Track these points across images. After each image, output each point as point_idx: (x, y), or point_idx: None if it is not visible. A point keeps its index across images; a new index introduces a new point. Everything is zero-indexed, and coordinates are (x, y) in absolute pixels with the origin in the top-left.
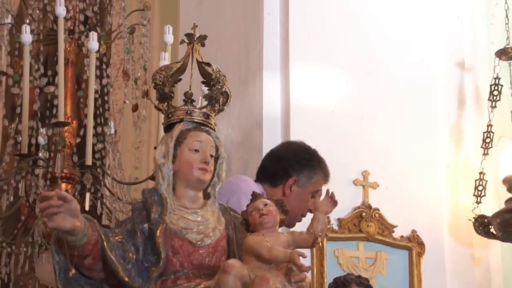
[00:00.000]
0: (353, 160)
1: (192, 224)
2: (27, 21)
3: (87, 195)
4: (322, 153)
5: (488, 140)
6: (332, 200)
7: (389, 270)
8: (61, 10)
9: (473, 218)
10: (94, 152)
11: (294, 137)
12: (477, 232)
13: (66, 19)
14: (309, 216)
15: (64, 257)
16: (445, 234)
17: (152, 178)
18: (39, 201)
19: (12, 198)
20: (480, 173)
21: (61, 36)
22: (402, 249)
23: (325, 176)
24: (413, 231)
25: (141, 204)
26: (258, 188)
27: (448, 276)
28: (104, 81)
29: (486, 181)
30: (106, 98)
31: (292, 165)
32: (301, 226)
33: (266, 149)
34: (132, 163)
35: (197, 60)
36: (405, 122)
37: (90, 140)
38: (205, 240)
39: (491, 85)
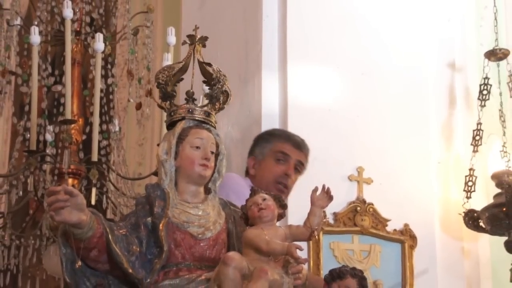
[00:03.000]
0: (348, 156)
1: (194, 218)
2: (36, 22)
3: (93, 190)
4: (318, 149)
5: (477, 137)
6: (328, 195)
7: (382, 262)
8: (68, 12)
9: (463, 212)
10: (99, 149)
11: None
12: (467, 226)
13: (73, 21)
14: (306, 210)
15: (71, 250)
16: (436, 228)
17: (155, 174)
18: (47, 196)
19: (21, 192)
20: (470, 169)
21: (68, 37)
22: (395, 242)
23: (286, 139)
24: (406, 225)
25: (145, 198)
26: (245, 182)
27: (439, 268)
28: (109, 81)
29: (476, 177)
30: (111, 96)
31: (250, 150)
32: (298, 221)
33: None
34: (136, 159)
35: (198, 60)
36: (398, 120)
37: (96, 137)
38: (206, 233)
39: (480, 85)
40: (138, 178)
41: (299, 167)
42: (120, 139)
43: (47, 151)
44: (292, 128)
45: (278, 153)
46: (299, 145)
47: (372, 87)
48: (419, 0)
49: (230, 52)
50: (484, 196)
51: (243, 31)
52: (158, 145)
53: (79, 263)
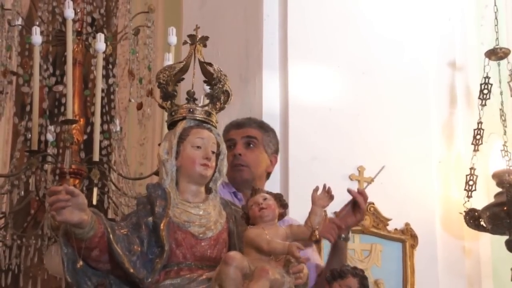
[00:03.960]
0: (349, 155)
1: (195, 218)
2: (37, 23)
3: (95, 190)
4: (319, 149)
5: (478, 137)
6: (328, 195)
7: (383, 262)
8: (69, 13)
9: (464, 211)
10: (100, 149)
11: (293, 133)
12: (468, 225)
13: (74, 21)
14: (307, 209)
15: (72, 249)
16: (437, 227)
17: (156, 173)
18: (48, 196)
19: (22, 192)
20: (471, 168)
21: (70, 37)
22: (396, 241)
23: (229, 127)
24: (407, 224)
25: (146, 198)
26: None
27: (440, 267)
28: (110, 81)
29: (477, 176)
30: (112, 96)
31: None
32: (299, 220)
33: None
34: (137, 159)
35: (199, 60)
36: (399, 119)
37: (97, 137)
38: (207, 233)
39: (481, 84)
40: (139, 178)
41: (252, 141)
42: (121, 139)
43: (48, 151)
44: (292, 127)
45: (227, 143)
46: (240, 124)
47: (373, 86)
48: None
49: (231, 51)
50: (485, 195)
51: (244, 31)
52: (159, 144)
53: (81, 263)
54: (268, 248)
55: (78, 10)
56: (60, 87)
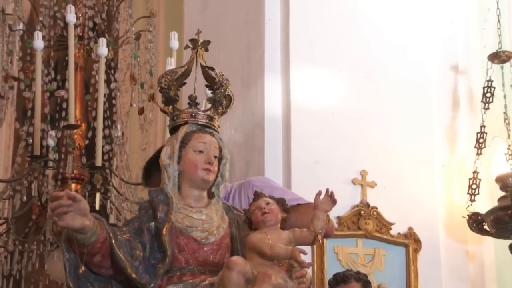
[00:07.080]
0: (352, 160)
1: (197, 223)
2: (38, 27)
3: (98, 195)
4: (322, 153)
5: (481, 140)
6: (331, 199)
7: (386, 266)
8: (71, 17)
9: (467, 215)
10: (102, 154)
11: (295, 137)
12: (471, 229)
13: (75, 26)
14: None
15: (74, 255)
16: (441, 231)
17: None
18: (50, 201)
19: (25, 198)
20: (474, 172)
21: (71, 42)
22: (399, 245)
23: None
24: (410, 228)
25: (148, 203)
26: None
27: (444, 271)
28: (112, 85)
29: (480, 180)
30: (113, 101)
31: None
32: None
33: (267, 150)
34: (139, 164)
35: (201, 64)
36: (402, 123)
37: (99, 142)
38: (210, 237)
39: (484, 88)
40: (141, 183)
41: None
42: (123, 143)
43: (50, 156)
44: (295, 132)
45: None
46: None
47: (375, 90)
48: (422, 2)
49: (232, 55)
50: (488, 199)
51: (246, 35)
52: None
53: (83, 268)
54: (271, 252)
55: (80, 15)
56: (62, 92)
